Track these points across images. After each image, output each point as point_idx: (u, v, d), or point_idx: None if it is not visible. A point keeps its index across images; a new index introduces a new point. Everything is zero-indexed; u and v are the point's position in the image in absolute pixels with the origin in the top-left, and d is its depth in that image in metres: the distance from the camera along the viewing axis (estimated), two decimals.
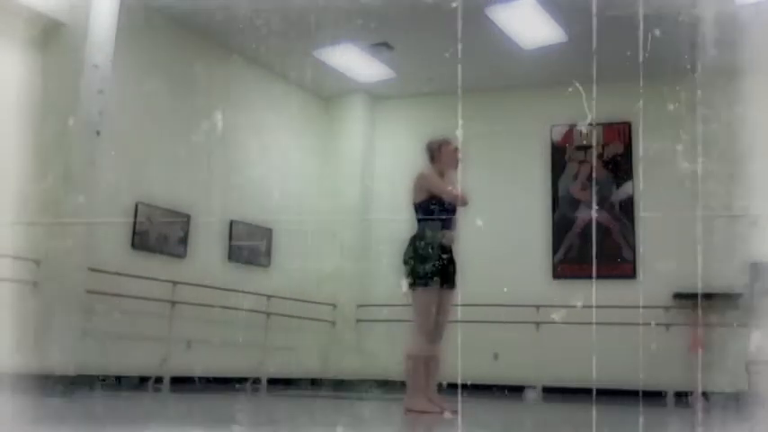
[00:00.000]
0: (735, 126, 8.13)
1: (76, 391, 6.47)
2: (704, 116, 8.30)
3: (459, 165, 5.54)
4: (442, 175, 5.51)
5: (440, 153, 5.56)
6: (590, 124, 9.76)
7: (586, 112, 9.23)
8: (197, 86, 9.17)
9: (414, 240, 5.36)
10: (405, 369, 5.21)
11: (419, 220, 5.42)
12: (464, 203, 5.41)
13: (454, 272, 5.36)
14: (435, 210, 5.35)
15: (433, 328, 5.21)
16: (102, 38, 7.32)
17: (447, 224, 5.38)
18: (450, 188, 5.37)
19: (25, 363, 6.38)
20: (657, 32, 8.34)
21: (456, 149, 5.55)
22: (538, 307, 9.51)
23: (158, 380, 7.89)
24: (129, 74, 8.14)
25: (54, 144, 7.04)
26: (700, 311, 8.98)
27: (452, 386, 9.58)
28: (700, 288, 8.75)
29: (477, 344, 9.69)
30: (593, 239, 10.00)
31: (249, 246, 9.67)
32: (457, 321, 9.52)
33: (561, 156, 10.29)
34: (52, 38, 7.33)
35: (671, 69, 9.11)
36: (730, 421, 5.69)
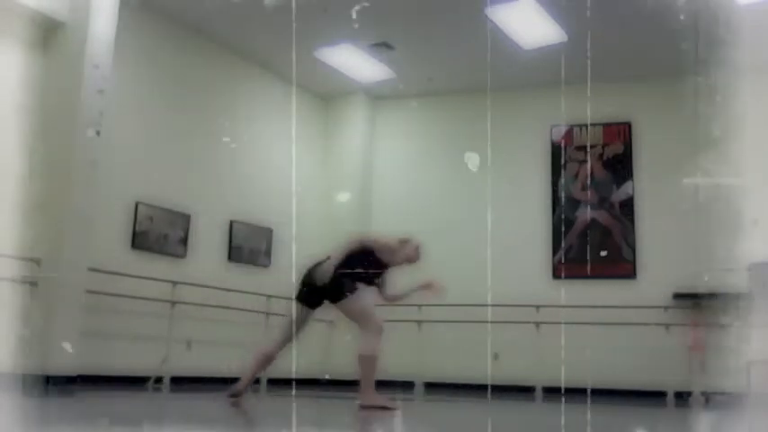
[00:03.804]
0: (736, 125, 8.13)
1: (77, 391, 6.47)
2: (705, 115, 8.31)
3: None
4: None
5: (403, 248, 5.70)
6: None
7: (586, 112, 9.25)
8: (197, 86, 9.19)
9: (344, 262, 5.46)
10: (361, 369, 5.36)
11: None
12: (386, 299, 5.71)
13: None
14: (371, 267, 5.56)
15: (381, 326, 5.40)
16: (102, 38, 7.32)
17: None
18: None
19: (25, 363, 6.38)
20: (657, 32, 8.36)
21: (417, 249, 5.73)
22: (538, 307, 9.51)
23: (158, 380, 7.89)
24: (129, 74, 8.15)
25: (54, 144, 7.03)
26: (700, 311, 8.99)
27: (451, 385, 9.60)
28: (700, 288, 8.78)
29: (477, 344, 9.71)
30: (596, 239, 10.00)
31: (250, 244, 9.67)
32: (457, 321, 9.57)
33: (561, 156, 10.30)
34: (52, 38, 7.34)
35: (671, 69, 9.13)
36: (730, 421, 5.69)
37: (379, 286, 5.65)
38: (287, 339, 5.66)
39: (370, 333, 5.35)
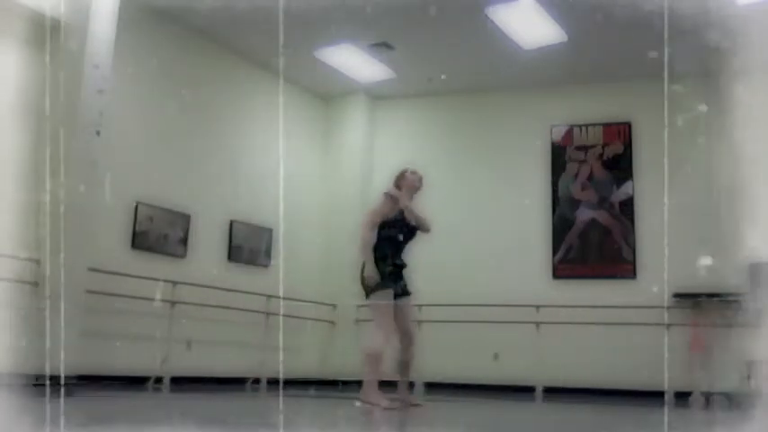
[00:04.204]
0: (735, 126, 8.13)
1: (77, 391, 6.47)
2: (705, 116, 8.31)
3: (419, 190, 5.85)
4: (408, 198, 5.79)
5: (403, 180, 5.82)
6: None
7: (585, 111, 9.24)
8: (197, 86, 9.18)
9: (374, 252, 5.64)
10: (364, 365, 5.50)
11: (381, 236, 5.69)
12: (427, 229, 5.75)
13: (405, 282, 5.72)
14: (395, 230, 5.66)
15: (393, 330, 5.52)
16: (102, 38, 7.31)
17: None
18: (410, 216, 5.68)
19: (25, 363, 6.38)
20: (658, 33, 8.34)
21: (414, 173, 5.84)
22: (538, 307, 9.51)
23: (158, 380, 7.88)
24: (129, 74, 8.14)
25: (54, 144, 7.03)
26: (700, 311, 8.99)
27: (451, 385, 9.59)
28: (700, 288, 8.78)
29: (477, 344, 9.71)
30: (596, 239, 10.00)
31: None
32: (457, 321, 9.57)
33: (561, 156, 10.30)
34: (52, 38, 7.33)
35: (672, 70, 9.13)
36: (730, 421, 5.69)
37: (419, 227, 5.69)
38: (400, 337, 5.67)
39: (375, 333, 5.47)
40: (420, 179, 5.80)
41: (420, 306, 9.84)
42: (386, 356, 5.52)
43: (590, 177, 10.15)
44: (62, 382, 6.60)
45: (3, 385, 5.96)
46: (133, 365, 7.73)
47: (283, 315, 9.51)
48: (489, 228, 10.32)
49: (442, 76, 10.11)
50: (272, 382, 9.03)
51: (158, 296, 7.99)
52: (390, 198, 5.67)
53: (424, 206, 5.90)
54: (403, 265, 5.68)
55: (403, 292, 5.65)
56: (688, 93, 9.03)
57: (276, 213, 9.98)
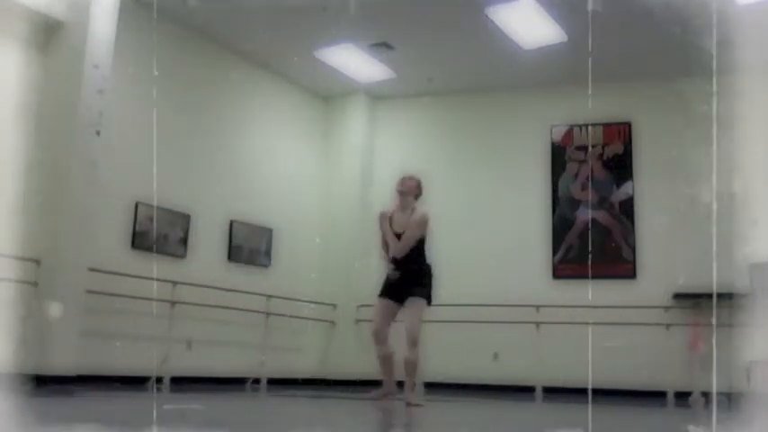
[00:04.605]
0: (735, 125, 8.13)
1: (77, 390, 6.47)
2: (704, 116, 8.29)
3: (408, 196, 6.05)
4: (402, 206, 6.06)
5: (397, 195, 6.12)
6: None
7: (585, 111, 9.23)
8: (197, 86, 9.18)
9: None
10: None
11: None
12: (394, 257, 5.97)
13: (413, 285, 5.92)
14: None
15: (380, 330, 5.95)
16: (102, 38, 7.31)
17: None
18: (385, 238, 5.99)
19: (25, 363, 6.38)
20: (658, 33, 8.36)
21: (400, 181, 6.05)
22: (538, 307, 9.51)
23: (158, 380, 7.88)
24: (129, 74, 8.13)
25: (54, 144, 7.03)
26: (700, 311, 8.99)
27: (452, 385, 9.59)
28: (700, 288, 8.78)
29: (477, 344, 9.71)
30: (596, 239, 10.00)
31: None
32: (457, 321, 9.57)
33: (561, 156, 10.30)
34: (52, 38, 7.33)
35: (672, 70, 9.13)
36: (730, 421, 5.69)
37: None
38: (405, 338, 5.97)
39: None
40: (401, 182, 6.02)
41: None
42: (390, 352, 5.98)
43: (590, 177, 10.15)
44: (62, 382, 6.61)
45: (3, 385, 5.96)
46: (133, 365, 7.72)
47: (283, 315, 9.51)
48: (489, 228, 10.32)
49: (429, 79, 10.14)
50: (272, 382, 9.04)
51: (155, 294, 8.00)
52: (377, 218, 6.08)
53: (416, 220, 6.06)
54: (410, 270, 5.93)
55: (407, 295, 5.88)
56: (688, 92, 9.01)
57: (276, 213, 9.98)
